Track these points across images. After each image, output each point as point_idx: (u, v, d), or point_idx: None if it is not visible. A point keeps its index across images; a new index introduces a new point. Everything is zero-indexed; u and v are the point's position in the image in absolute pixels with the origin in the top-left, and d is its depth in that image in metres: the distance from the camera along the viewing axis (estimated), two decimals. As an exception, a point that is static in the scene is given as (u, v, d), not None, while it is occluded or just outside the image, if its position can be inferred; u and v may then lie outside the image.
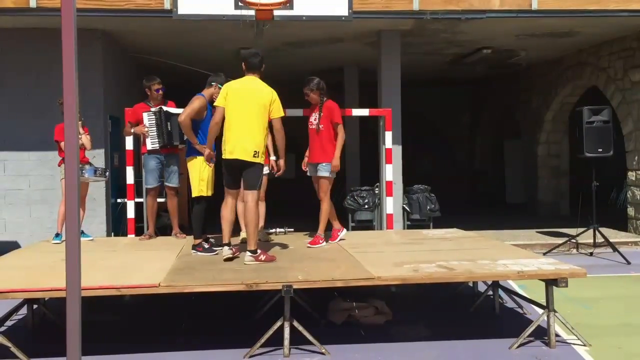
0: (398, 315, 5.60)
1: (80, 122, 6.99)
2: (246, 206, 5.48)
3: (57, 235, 6.83)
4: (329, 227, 6.56)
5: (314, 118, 6.47)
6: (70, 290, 2.17)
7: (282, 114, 5.56)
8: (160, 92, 7.06)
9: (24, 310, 5.55)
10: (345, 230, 6.78)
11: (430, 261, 5.23)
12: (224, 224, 5.56)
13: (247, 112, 5.42)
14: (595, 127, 8.92)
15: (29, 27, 9.12)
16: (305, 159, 6.68)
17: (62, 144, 6.50)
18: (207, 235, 6.08)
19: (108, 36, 9.78)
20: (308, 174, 6.67)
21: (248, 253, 5.33)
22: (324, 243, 6.38)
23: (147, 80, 7.09)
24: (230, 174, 5.55)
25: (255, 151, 5.39)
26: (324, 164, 6.39)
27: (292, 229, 7.39)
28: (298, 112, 7.77)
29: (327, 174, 6.40)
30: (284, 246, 6.32)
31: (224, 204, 5.63)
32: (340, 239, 6.58)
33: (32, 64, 9.31)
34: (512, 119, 16.07)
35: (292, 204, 11.99)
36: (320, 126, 6.37)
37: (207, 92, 6.11)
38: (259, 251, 5.37)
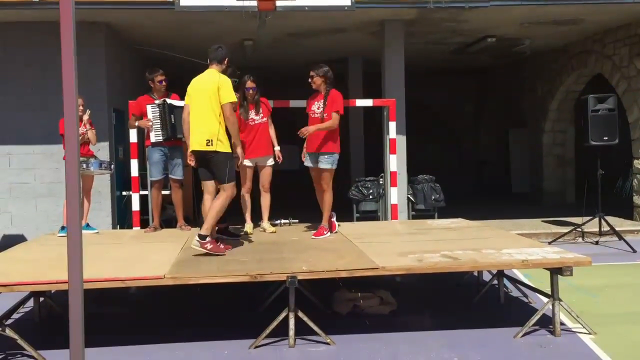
0: (403, 305, 5.61)
1: (86, 117, 7.01)
2: (218, 196, 5.44)
3: (63, 228, 6.86)
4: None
5: (317, 107, 6.31)
6: (72, 282, 2.18)
7: (232, 100, 5.41)
8: (164, 83, 7.05)
9: (30, 303, 5.58)
10: (334, 214, 6.59)
11: (434, 251, 5.23)
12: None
13: (198, 103, 5.42)
14: (600, 116, 8.87)
15: (33, 20, 9.12)
16: (304, 150, 6.52)
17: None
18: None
19: (111, 29, 9.77)
20: (306, 164, 6.51)
21: (196, 237, 5.28)
22: (328, 234, 6.37)
23: (150, 72, 7.09)
24: (199, 166, 5.59)
25: (207, 140, 5.34)
26: (325, 156, 6.26)
27: (297, 220, 7.40)
28: (302, 104, 7.76)
29: (329, 166, 6.29)
30: (288, 237, 6.33)
31: (202, 202, 5.61)
32: (338, 225, 6.60)
33: (36, 58, 9.32)
34: (517, 108, 16.01)
35: (296, 195, 11.99)
36: (325, 115, 6.21)
37: None
38: (208, 238, 5.27)
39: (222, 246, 5.39)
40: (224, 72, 5.57)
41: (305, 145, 6.50)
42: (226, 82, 5.41)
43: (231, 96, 5.40)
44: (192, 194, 10.53)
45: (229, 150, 5.43)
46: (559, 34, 11.79)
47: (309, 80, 6.34)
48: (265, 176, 6.75)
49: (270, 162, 6.75)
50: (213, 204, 5.41)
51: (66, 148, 2.37)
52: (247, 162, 6.56)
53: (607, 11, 9.85)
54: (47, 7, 8.34)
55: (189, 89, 5.61)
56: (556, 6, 9.35)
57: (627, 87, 10.96)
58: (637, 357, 4.36)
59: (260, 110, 6.69)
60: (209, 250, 5.24)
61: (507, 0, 8.97)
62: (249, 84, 6.54)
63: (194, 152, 5.50)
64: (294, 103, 7.57)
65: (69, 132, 2.26)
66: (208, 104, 5.37)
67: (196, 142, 5.43)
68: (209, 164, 5.48)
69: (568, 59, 13.01)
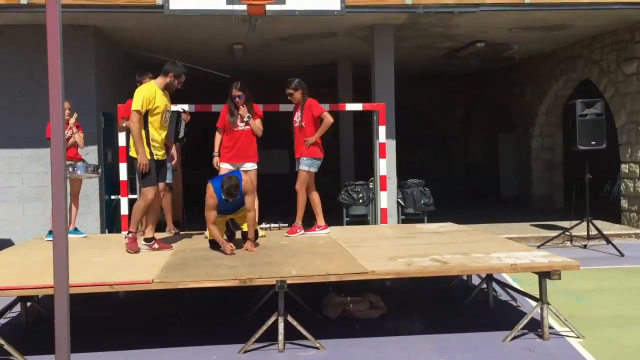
0: (392, 309, 5.61)
1: (73, 120, 6.98)
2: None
3: (51, 232, 6.80)
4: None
5: (296, 116, 6.77)
6: (58, 287, 2.16)
7: (134, 108, 5.63)
8: (152, 87, 7.01)
9: (17, 308, 5.53)
10: (328, 230, 6.84)
11: (424, 255, 5.24)
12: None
13: None
14: (588, 120, 8.93)
15: (20, 23, 9.07)
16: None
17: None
18: None
19: (100, 32, 9.73)
20: (296, 169, 6.85)
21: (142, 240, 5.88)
22: (301, 232, 6.68)
23: (139, 75, 7.06)
24: None
25: (130, 146, 5.83)
26: (305, 158, 6.69)
27: (287, 224, 7.37)
28: (292, 108, 7.75)
29: (306, 168, 6.68)
30: (277, 241, 6.32)
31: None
32: (317, 234, 6.75)
33: (23, 61, 9.26)
34: (505, 112, 16.09)
35: (286, 200, 11.97)
36: (303, 123, 6.67)
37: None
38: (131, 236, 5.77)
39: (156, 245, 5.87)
40: (168, 85, 5.80)
41: None
42: (138, 91, 5.72)
43: (134, 104, 5.65)
44: (181, 198, 10.48)
45: (146, 156, 5.65)
46: (547, 39, 11.87)
47: (289, 97, 6.76)
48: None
49: (252, 166, 6.76)
50: (134, 208, 5.93)
51: (52, 151, 2.36)
52: (227, 166, 6.65)
53: (594, 17, 9.93)
54: (35, 10, 8.30)
55: None
56: (544, 12, 9.40)
57: (614, 92, 11.04)
58: (625, 360, 4.38)
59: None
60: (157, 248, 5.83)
61: (495, 6, 9.02)
62: (235, 92, 6.58)
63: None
64: (283, 107, 7.56)
65: (55, 136, 2.25)
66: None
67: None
68: None
69: (556, 63, 13.09)
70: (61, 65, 2.33)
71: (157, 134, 5.80)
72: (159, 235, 7.04)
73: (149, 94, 5.67)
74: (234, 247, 5.54)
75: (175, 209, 8.95)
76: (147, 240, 5.87)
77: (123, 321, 5.73)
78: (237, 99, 6.61)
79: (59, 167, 2.26)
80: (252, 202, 5.78)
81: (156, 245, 5.83)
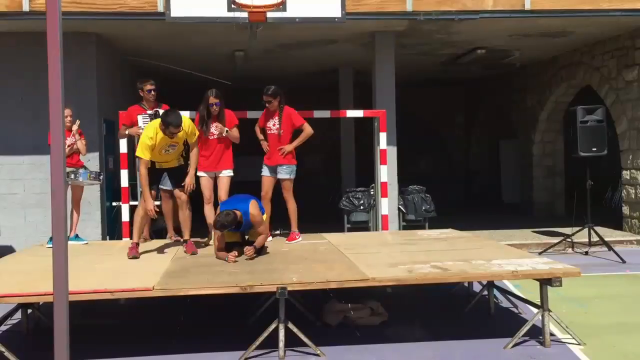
0: (393, 316, 5.60)
1: (76, 127, 7.00)
2: None
3: (52, 239, 6.80)
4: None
5: (272, 124, 6.74)
6: (57, 293, 2.16)
7: (137, 154, 5.96)
8: (152, 93, 7.01)
9: (18, 315, 5.53)
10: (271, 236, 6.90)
11: (425, 262, 5.23)
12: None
13: None
14: (589, 127, 8.94)
15: (22, 31, 9.10)
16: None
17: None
18: None
19: (102, 39, 9.76)
20: (263, 174, 6.86)
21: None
22: (300, 238, 6.77)
23: (141, 81, 7.08)
24: None
25: None
26: (284, 167, 6.72)
27: (288, 231, 7.37)
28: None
29: (287, 176, 6.75)
30: (278, 248, 6.32)
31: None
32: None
33: (25, 68, 9.29)
34: (506, 118, 16.10)
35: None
36: (281, 131, 6.67)
37: None
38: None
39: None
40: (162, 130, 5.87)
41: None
42: (142, 135, 6.00)
43: (138, 150, 5.98)
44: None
45: (151, 203, 5.97)
46: (548, 46, 11.89)
47: (267, 105, 6.73)
48: (223, 188, 6.71)
49: (228, 173, 6.76)
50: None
51: (52, 158, 2.36)
52: (203, 174, 6.70)
53: (595, 24, 9.95)
54: (36, 18, 8.33)
55: None
56: (544, 18, 9.42)
57: (615, 99, 11.05)
58: (627, 367, 4.37)
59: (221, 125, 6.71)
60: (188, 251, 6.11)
61: (496, 13, 9.04)
62: (212, 99, 6.57)
63: None
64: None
65: (55, 143, 2.26)
66: None
67: None
68: None
69: (557, 70, 13.11)
70: (61, 72, 2.34)
71: (155, 158, 6.11)
72: (160, 243, 7.06)
73: (149, 141, 5.86)
74: (237, 254, 5.54)
75: (177, 215, 8.93)
76: (184, 241, 6.25)
77: (123, 328, 5.72)
78: (214, 107, 6.59)
79: (59, 174, 2.27)
80: (265, 229, 5.87)
81: (185, 249, 6.14)
